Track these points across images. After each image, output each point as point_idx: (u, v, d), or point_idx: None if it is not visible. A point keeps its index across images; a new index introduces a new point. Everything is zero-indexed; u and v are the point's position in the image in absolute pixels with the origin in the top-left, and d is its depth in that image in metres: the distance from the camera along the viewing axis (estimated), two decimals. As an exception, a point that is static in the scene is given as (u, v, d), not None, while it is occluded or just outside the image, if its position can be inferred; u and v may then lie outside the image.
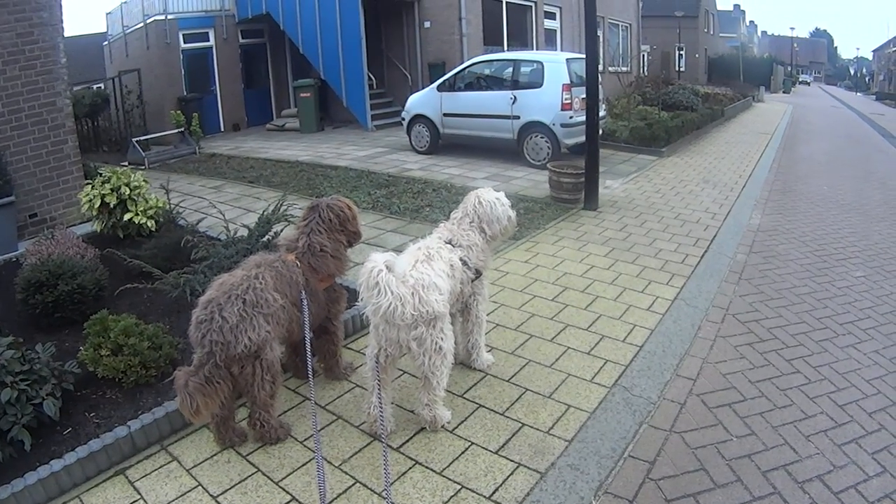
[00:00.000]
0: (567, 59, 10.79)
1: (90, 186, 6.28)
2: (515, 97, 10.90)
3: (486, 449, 3.26)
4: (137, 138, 13.47)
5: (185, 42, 17.41)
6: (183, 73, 17.30)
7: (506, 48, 17.30)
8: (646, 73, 27.97)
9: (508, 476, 3.05)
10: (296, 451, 3.28)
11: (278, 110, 19.48)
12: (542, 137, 10.70)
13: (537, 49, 18.27)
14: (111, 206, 6.15)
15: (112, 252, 5.15)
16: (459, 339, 3.90)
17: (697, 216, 7.90)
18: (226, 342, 2.93)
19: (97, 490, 3.03)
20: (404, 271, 3.08)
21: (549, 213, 7.78)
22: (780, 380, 4.12)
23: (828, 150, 15.76)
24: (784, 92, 47.66)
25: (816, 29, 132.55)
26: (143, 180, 6.46)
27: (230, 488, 3.00)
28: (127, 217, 6.17)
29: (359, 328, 4.65)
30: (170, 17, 16.92)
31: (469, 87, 11.93)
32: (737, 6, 74.97)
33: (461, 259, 3.54)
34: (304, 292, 3.32)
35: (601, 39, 21.55)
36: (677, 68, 35.16)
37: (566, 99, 10.36)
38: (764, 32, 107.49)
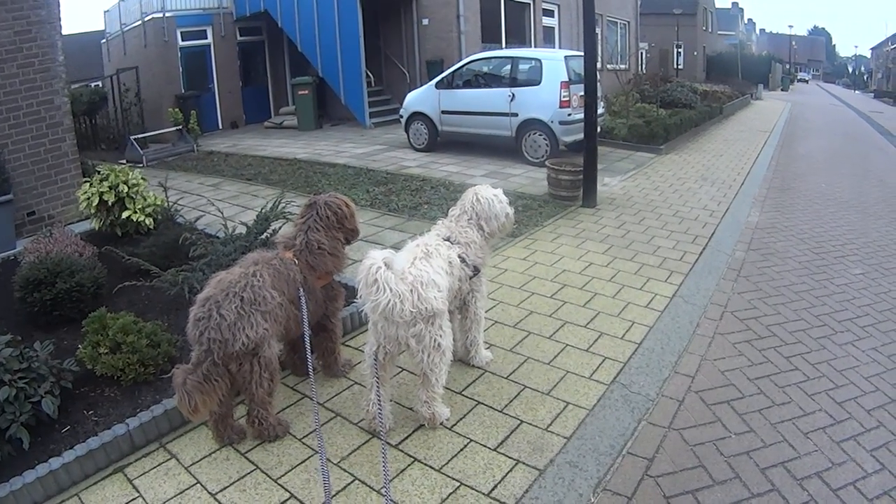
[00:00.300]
0: (565, 57, 10.79)
1: (88, 184, 6.27)
2: (514, 94, 10.90)
3: (485, 446, 3.26)
4: (135, 136, 13.45)
5: (182, 40, 17.37)
6: (181, 70, 17.26)
7: (504, 46, 17.29)
8: (644, 71, 27.94)
9: (507, 473, 3.05)
10: (294, 448, 3.28)
11: (276, 108, 19.46)
12: (540, 135, 10.70)
13: (535, 46, 18.26)
14: (109, 203, 6.15)
15: (110, 250, 5.14)
16: (458, 337, 3.90)
17: (696, 214, 7.90)
18: (224, 340, 2.93)
19: (96, 488, 3.02)
20: (403, 268, 3.08)
21: (547, 211, 7.78)
22: (779, 377, 4.12)
23: (826, 147, 15.77)
24: (782, 90, 47.62)
25: (815, 27, 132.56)
26: (142, 178, 6.45)
27: (229, 486, 3.00)
28: (125, 215, 6.17)
29: (357, 325, 4.64)
30: (168, 14, 16.88)
31: (467, 84, 11.93)
32: (735, 4, 74.89)
33: (460, 256, 3.54)
34: (302, 290, 3.32)
35: (599, 37, 21.53)
36: (676, 66, 35.19)
37: (564, 96, 10.36)
38: (762, 30, 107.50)
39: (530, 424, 3.44)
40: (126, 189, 6.18)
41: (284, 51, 18.96)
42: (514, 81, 11.21)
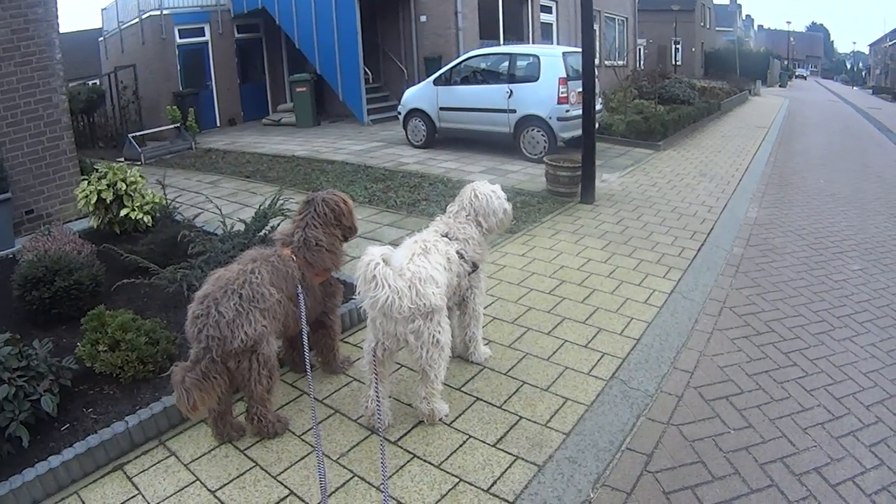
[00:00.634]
0: (563, 53, 10.79)
1: (86, 182, 6.27)
2: (512, 91, 10.89)
3: (484, 442, 3.26)
4: (133, 134, 13.43)
5: (180, 37, 17.37)
6: (178, 68, 17.25)
7: (502, 42, 17.28)
8: (642, 67, 27.99)
9: (506, 469, 3.05)
10: (294, 445, 3.28)
11: (274, 105, 19.45)
12: (538, 131, 10.69)
13: (533, 43, 18.24)
14: (107, 201, 6.15)
15: (109, 248, 5.14)
16: (457, 333, 3.90)
17: (694, 209, 7.90)
18: (222, 337, 2.93)
19: (95, 486, 3.02)
20: (401, 265, 3.08)
21: (545, 207, 7.78)
22: (778, 372, 4.13)
23: (824, 143, 15.77)
24: (780, 86, 47.63)
25: (813, 23, 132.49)
26: (140, 176, 6.45)
27: (228, 483, 3.00)
28: (123, 213, 6.17)
29: (356, 322, 4.64)
30: (165, 12, 16.87)
31: (465, 81, 11.91)
32: (733, 0, 74.86)
33: (458, 252, 3.54)
34: (300, 287, 3.32)
35: (597, 33, 21.51)
36: (674, 62, 35.09)
37: (562, 93, 10.36)
38: (760, 26, 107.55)
39: (529, 420, 3.45)
40: (124, 187, 6.18)
41: (282, 48, 18.94)
42: (511, 78, 11.20)
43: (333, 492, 2.90)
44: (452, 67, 12.01)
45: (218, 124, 18.15)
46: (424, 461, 3.12)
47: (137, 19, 17.22)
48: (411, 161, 10.85)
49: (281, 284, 3.24)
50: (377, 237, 6.54)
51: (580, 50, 8.41)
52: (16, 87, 6.80)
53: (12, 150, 6.81)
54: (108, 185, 6.14)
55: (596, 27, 20.67)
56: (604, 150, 11.61)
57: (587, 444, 3.27)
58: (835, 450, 3.32)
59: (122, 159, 11.82)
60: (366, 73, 16.32)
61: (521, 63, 11.29)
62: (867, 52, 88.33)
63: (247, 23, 18.79)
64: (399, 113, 12.87)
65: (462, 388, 3.76)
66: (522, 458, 3.13)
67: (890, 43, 58.81)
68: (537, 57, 10.94)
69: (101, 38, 20.08)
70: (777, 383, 3.99)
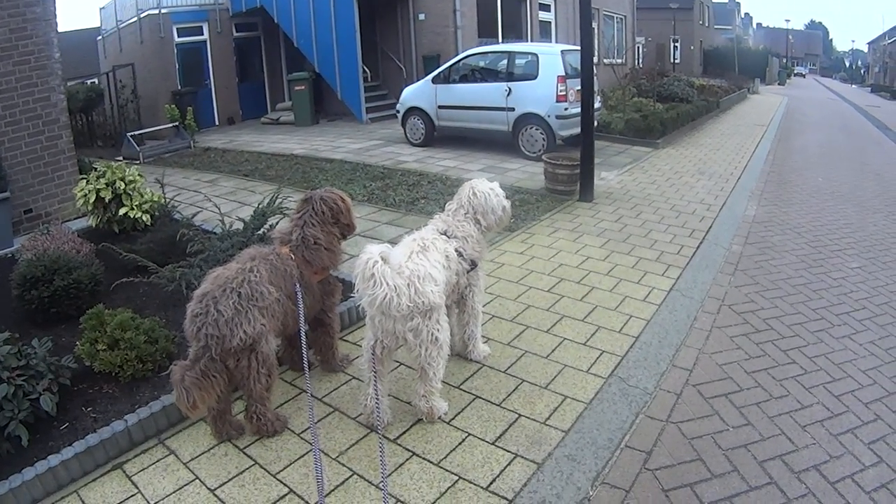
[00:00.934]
0: (562, 51, 10.78)
1: (85, 181, 6.26)
2: (510, 89, 10.88)
3: (483, 440, 3.26)
4: (132, 133, 13.40)
5: (178, 36, 17.32)
6: (177, 67, 17.21)
7: (500, 40, 17.26)
8: (641, 65, 27.98)
9: (505, 467, 3.05)
10: (293, 443, 3.28)
11: (273, 104, 19.42)
12: (537, 129, 10.69)
13: (532, 41, 18.23)
14: (106, 200, 6.14)
15: (107, 247, 5.13)
16: (456, 331, 3.91)
17: (693, 207, 7.91)
18: (221, 335, 2.93)
19: (95, 485, 3.02)
20: (400, 263, 3.08)
21: (544, 205, 7.78)
22: (776, 370, 4.13)
23: (823, 141, 15.78)
24: (779, 84, 47.66)
25: (812, 21, 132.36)
26: (138, 175, 6.44)
27: (228, 481, 3.00)
28: (122, 212, 6.16)
29: (355, 320, 4.64)
30: (163, 11, 16.83)
31: (464, 79, 11.90)
32: (732, -2, 74.89)
33: (456, 250, 3.54)
34: (298, 285, 3.32)
35: (596, 31, 21.52)
36: (672, 60, 35.13)
37: (561, 91, 10.35)
38: (759, 24, 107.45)
39: (528, 418, 3.45)
40: (123, 186, 6.17)
41: (281, 46, 18.91)
42: (510, 76, 11.20)
43: (333, 490, 2.90)
44: (451, 66, 12.00)
45: (216, 123, 18.13)
46: (423, 459, 3.12)
47: (136, 18, 17.18)
48: (410, 159, 10.85)
49: (280, 283, 3.24)
50: (376, 235, 6.54)
51: (579, 48, 8.41)
52: (14, 86, 6.79)
53: (11, 150, 6.81)
54: (107, 184, 6.13)
55: (594, 25, 20.70)
56: (602, 149, 11.61)
57: (586, 442, 3.27)
58: (834, 447, 3.33)
59: (121, 158, 11.81)
60: (364, 71, 16.30)
61: (519, 61, 11.28)
62: (866, 50, 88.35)
63: (245, 21, 18.75)
64: (398, 111, 12.87)
65: (461, 386, 3.77)
66: (521, 456, 3.13)
67: (889, 41, 58.84)
68: (536, 55, 10.94)
69: (100, 37, 20.03)
70: (776, 381, 3.99)
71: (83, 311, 3.95)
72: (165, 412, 3.39)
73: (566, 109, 10.31)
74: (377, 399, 3.10)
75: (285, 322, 3.33)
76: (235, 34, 18.71)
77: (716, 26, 53.91)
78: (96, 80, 17.09)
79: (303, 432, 3.36)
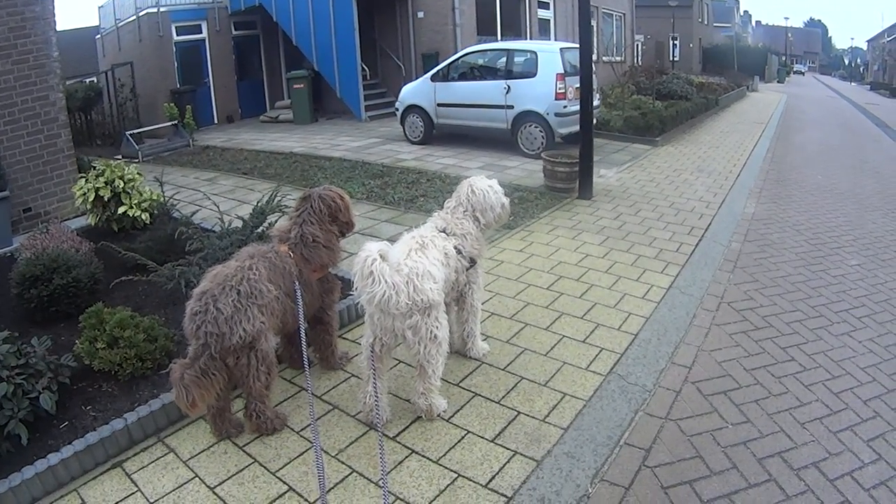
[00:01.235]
0: (561, 49, 10.79)
1: (84, 180, 6.26)
2: (509, 87, 10.88)
3: (483, 437, 3.27)
4: (131, 131, 13.38)
5: (177, 34, 17.30)
6: (176, 65, 17.20)
7: (499, 38, 17.25)
8: (640, 63, 27.95)
9: (505, 464, 3.06)
10: (292, 441, 3.28)
11: (272, 102, 19.40)
12: (536, 127, 10.69)
13: (531, 39, 18.22)
14: (105, 199, 6.14)
15: (106, 245, 5.13)
16: (455, 328, 3.91)
17: (692, 205, 7.91)
18: (220, 333, 2.93)
19: (94, 483, 3.03)
20: (398, 260, 3.08)
21: (543, 203, 7.78)
22: (775, 367, 4.13)
23: (822, 139, 15.78)
24: (778, 82, 47.60)
25: (811, 19, 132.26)
26: (137, 173, 6.44)
27: (227, 479, 3.00)
28: (121, 210, 6.16)
29: (354, 318, 4.65)
30: (162, 9, 16.81)
31: (463, 77, 11.90)
32: (731, -4, 74.77)
33: (455, 247, 3.54)
34: (297, 283, 3.32)
35: (595, 29, 21.51)
36: (671, 58, 35.07)
37: (560, 88, 10.35)
38: (758, 22, 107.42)
39: (527, 415, 3.45)
40: (122, 184, 6.17)
41: (280, 44, 18.89)
42: (509, 74, 11.19)
43: (332, 487, 2.91)
44: (450, 64, 12.00)
45: (215, 121, 18.11)
46: (423, 456, 3.13)
47: (134, 17, 17.16)
48: (409, 157, 10.85)
49: (279, 281, 3.24)
50: (375, 233, 6.54)
51: (578, 46, 8.40)
52: (13, 84, 6.79)
53: (10, 149, 6.81)
54: (106, 183, 6.13)
55: (593, 23, 20.69)
56: (601, 146, 11.60)
57: (585, 439, 3.27)
58: (833, 444, 3.33)
59: (120, 157, 11.79)
60: (363, 69, 16.29)
61: (518, 59, 11.27)
62: (865, 47, 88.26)
63: (244, 20, 18.73)
64: (396, 109, 12.87)
65: (460, 384, 3.77)
66: (521, 454, 3.13)
67: (888, 39, 58.78)
68: (535, 53, 10.94)
69: (99, 36, 20.02)
70: (775, 378, 4.00)
71: (82, 309, 3.96)
72: (165, 410, 3.39)
73: (565, 107, 10.31)
74: (376, 396, 3.10)
75: (284, 320, 3.33)
76: (234, 32, 18.68)
77: (715, 24, 53.85)
78: (95, 79, 17.05)
79: (302, 430, 3.36)
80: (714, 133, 14.89)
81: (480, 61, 12.00)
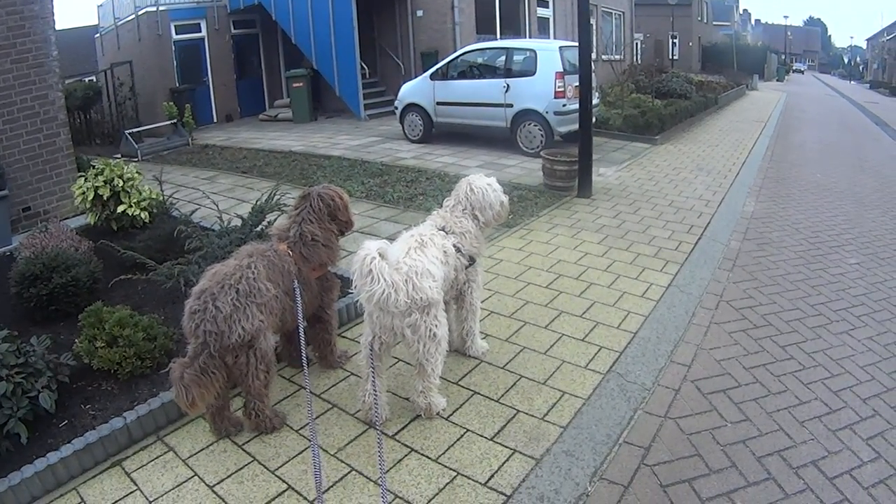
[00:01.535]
0: (560, 47, 10.78)
1: (83, 179, 6.25)
2: (508, 85, 10.87)
3: (482, 436, 3.27)
4: (130, 130, 13.39)
5: (176, 33, 17.29)
6: (175, 64, 17.20)
7: (498, 36, 17.25)
8: (639, 62, 27.95)
9: (504, 462, 3.06)
10: (291, 439, 3.28)
11: (271, 100, 19.39)
12: (535, 125, 10.69)
13: (530, 37, 18.22)
14: (104, 198, 6.14)
15: (106, 244, 5.14)
16: (454, 327, 3.92)
17: (691, 203, 7.91)
18: (220, 332, 2.93)
19: (94, 482, 3.03)
20: (397, 259, 3.08)
21: (542, 201, 7.78)
22: (775, 366, 4.14)
23: (821, 138, 15.77)
24: (778, 80, 47.57)
25: (810, 17, 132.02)
26: (136, 172, 6.44)
27: (226, 478, 3.00)
28: (120, 209, 6.16)
29: (353, 317, 4.65)
30: (161, 8, 16.80)
31: (462, 75, 11.89)
32: (730, -6, 74.72)
33: (454, 246, 3.53)
34: (296, 282, 3.32)
35: (594, 27, 21.51)
36: (671, 56, 35.11)
37: (559, 87, 10.35)
38: (757, 21, 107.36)
39: (527, 414, 3.45)
40: (121, 183, 6.17)
41: (279, 43, 18.89)
42: (508, 72, 11.18)
43: (331, 486, 2.91)
44: (449, 62, 12.00)
45: (215, 120, 18.11)
46: (422, 455, 3.13)
47: (133, 16, 17.16)
48: (408, 156, 10.84)
49: (278, 279, 3.24)
50: (374, 232, 6.54)
51: (577, 44, 8.40)
52: (12, 84, 6.78)
53: (9, 148, 6.80)
54: (105, 182, 6.12)
55: (593, 21, 20.69)
56: (601, 145, 11.60)
57: (584, 438, 3.28)
58: (832, 443, 3.33)
59: (119, 156, 11.80)
60: (362, 68, 16.28)
61: (517, 57, 11.27)
62: (864, 46, 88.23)
63: (243, 18, 18.72)
64: (396, 108, 12.86)
65: (459, 382, 3.77)
66: (520, 452, 3.13)
67: (887, 38, 58.79)
68: (534, 51, 10.94)
69: (98, 35, 20.02)
70: (774, 377, 4.00)
71: (82, 308, 3.96)
72: (164, 409, 3.39)
73: (564, 106, 10.31)
74: (375, 395, 3.10)
75: (283, 318, 3.33)
76: (233, 31, 18.67)
77: (714, 23, 53.84)
78: (94, 78, 17.06)
79: (301, 429, 3.37)
80: (713, 132, 14.88)
81: (480, 60, 11.99)
